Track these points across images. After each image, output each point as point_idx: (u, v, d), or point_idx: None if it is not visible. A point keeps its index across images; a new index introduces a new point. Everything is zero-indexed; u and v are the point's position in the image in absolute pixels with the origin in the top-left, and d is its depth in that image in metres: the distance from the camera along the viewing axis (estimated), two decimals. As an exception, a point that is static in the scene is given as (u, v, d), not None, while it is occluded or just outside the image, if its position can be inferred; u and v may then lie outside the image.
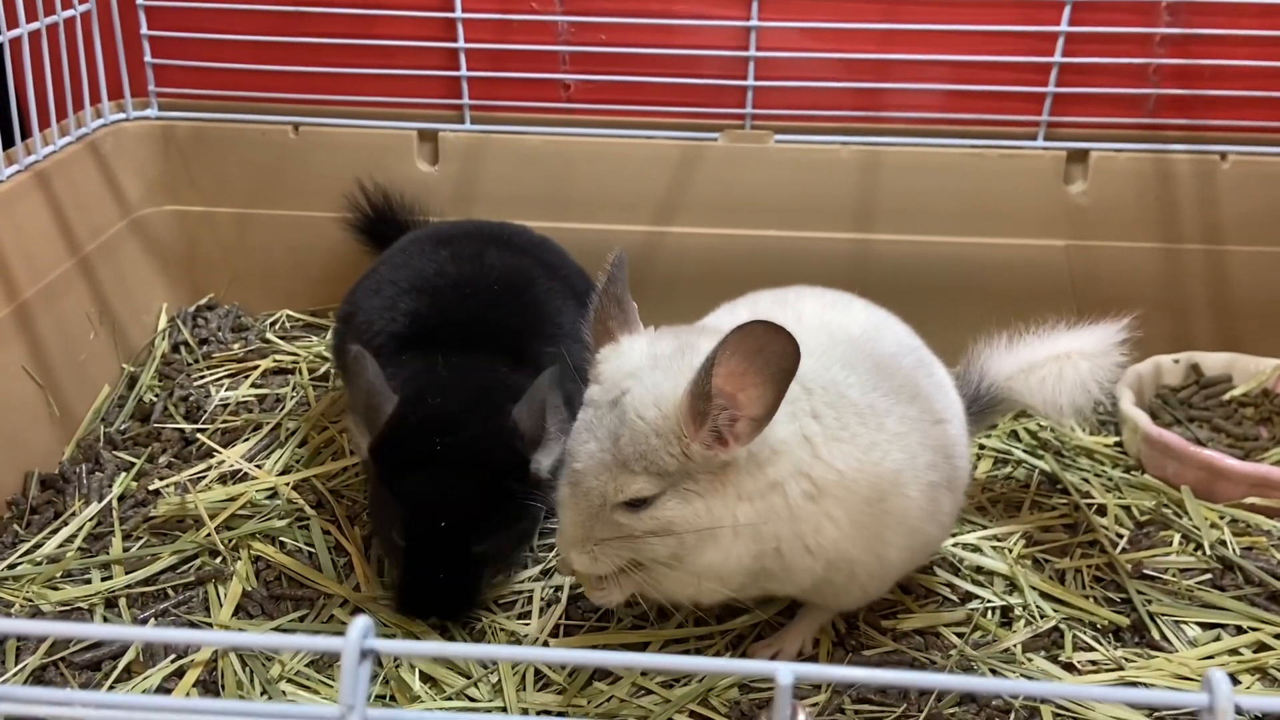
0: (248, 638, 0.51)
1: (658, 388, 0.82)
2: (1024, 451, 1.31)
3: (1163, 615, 1.06)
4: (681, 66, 1.43)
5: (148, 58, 1.44)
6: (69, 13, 1.32)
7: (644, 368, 0.84)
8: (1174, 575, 1.11)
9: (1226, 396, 1.37)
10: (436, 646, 0.53)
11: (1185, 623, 1.05)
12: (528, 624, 1.04)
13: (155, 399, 1.34)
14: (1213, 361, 1.40)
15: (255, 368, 1.41)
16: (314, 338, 1.49)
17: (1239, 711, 0.47)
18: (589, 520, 0.85)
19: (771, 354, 0.78)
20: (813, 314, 0.97)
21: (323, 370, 1.41)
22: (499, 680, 0.96)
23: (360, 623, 0.49)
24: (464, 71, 1.44)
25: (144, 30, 1.43)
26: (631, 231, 1.45)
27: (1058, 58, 1.38)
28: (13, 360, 1.21)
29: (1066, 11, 1.35)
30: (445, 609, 1.01)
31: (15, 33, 1.23)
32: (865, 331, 0.97)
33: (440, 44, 1.44)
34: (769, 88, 1.42)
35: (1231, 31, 1.36)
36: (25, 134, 1.29)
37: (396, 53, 1.45)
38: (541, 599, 1.07)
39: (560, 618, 1.04)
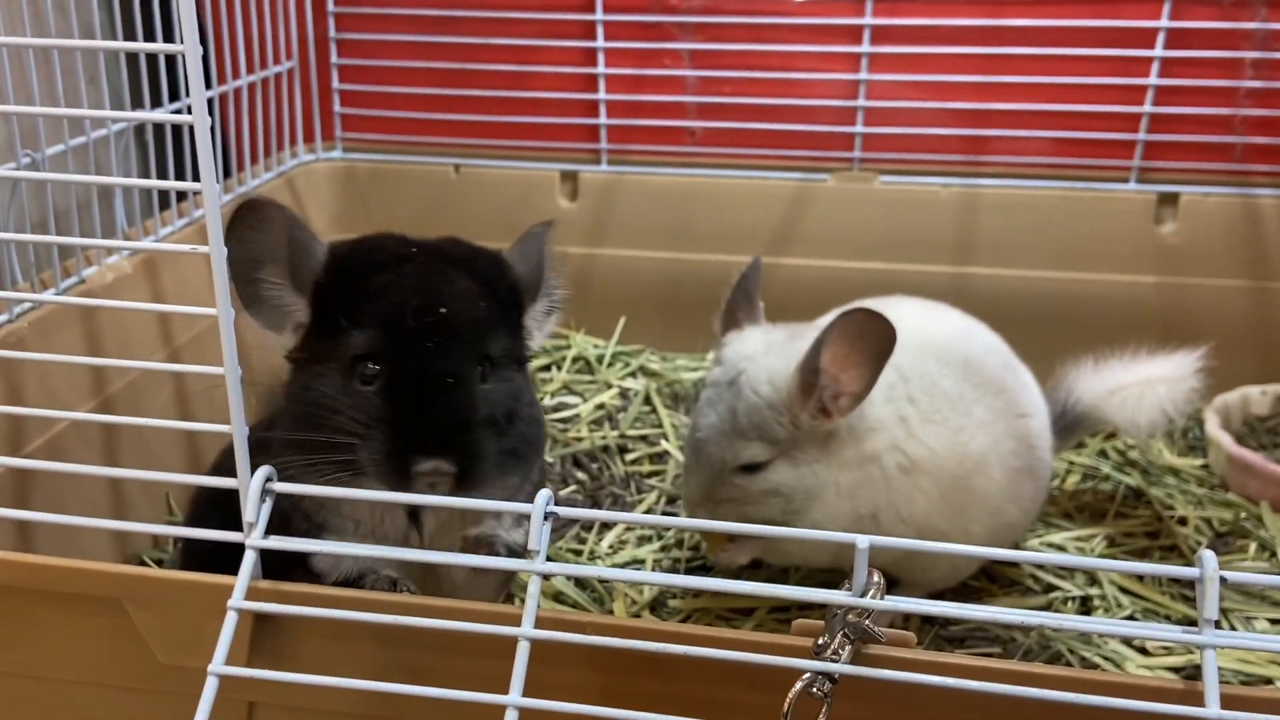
0: (443, 499, 0.68)
1: (771, 367, 0.97)
2: (1111, 468, 1.41)
3: (1234, 611, 1.14)
4: (796, 115, 1.59)
5: (337, 108, 1.68)
6: (276, 69, 1.57)
7: (759, 352, 1.00)
8: (1250, 578, 1.19)
9: (1314, 426, 1.44)
10: (609, 514, 0.69)
11: (1255, 619, 1.13)
12: (641, 591, 1.18)
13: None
14: (1301, 394, 1.48)
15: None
16: (464, 351, 1.69)
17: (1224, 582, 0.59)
18: (710, 482, 1.00)
19: (872, 337, 0.92)
20: (911, 316, 1.11)
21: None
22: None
23: (544, 493, 0.66)
24: (603, 120, 1.64)
25: (335, 85, 1.67)
26: (747, 262, 1.61)
27: (1148, 108, 1.50)
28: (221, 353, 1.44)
29: (1155, 66, 1.47)
30: (449, 446, 0.72)
31: (237, 83, 1.48)
32: (957, 333, 1.11)
33: (583, 95, 1.64)
34: (876, 134, 1.58)
35: (1315, 85, 1.46)
36: (239, 169, 1.54)
37: (545, 104, 1.66)
38: (660, 569, 1.21)
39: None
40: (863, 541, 0.61)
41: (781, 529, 0.64)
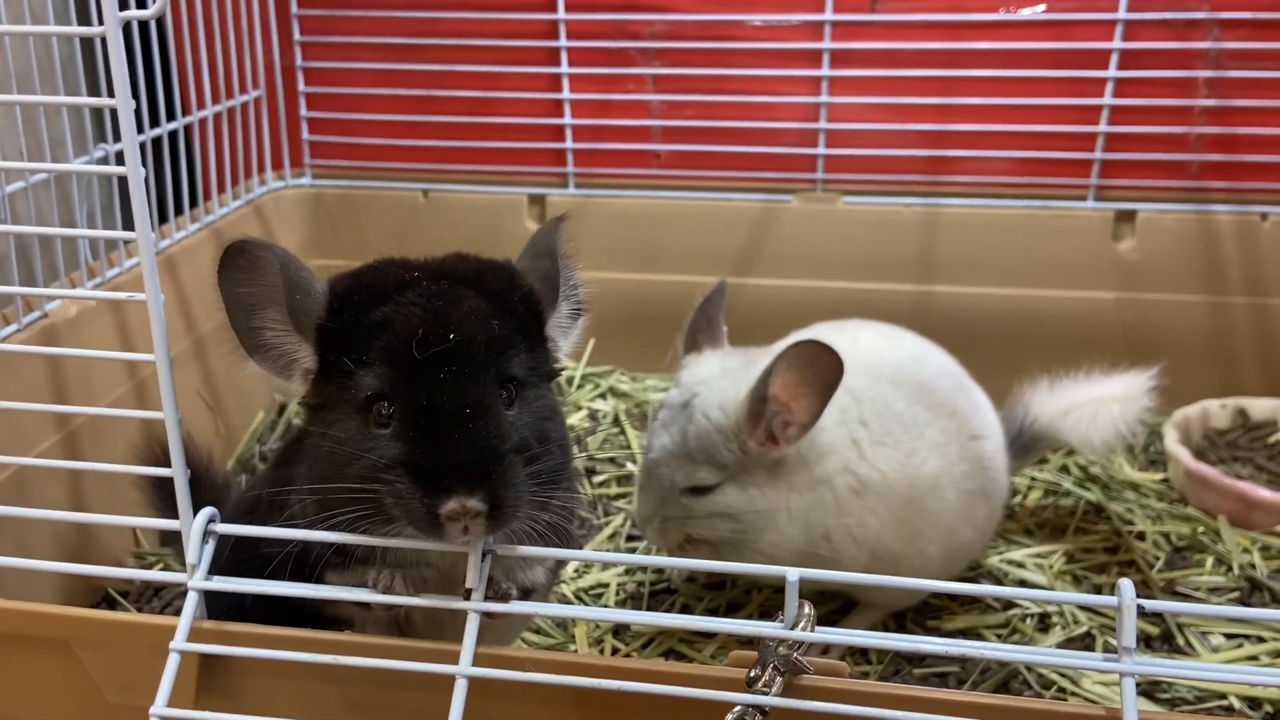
0: (395, 541, 0.69)
1: (723, 393, 0.99)
2: (1073, 484, 1.42)
3: (1190, 626, 1.15)
4: (759, 138, 1.61)
5: (305, 135, 1.69)
6: (244, 98, 1.58)
7: (714, 376, 1.01)
8: (1204, 594, 1.21)
9: (1272, 439, 1.46)
10: (547, 551, 0.70)
11: (1211, 633, 1.15)
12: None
13: (300, 422, 1.56)
14: (1260, 407, 1.49)
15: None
16: (434, 375, 1.70)
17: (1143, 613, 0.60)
18: (660, 501, 1.01)
19: (821, 369, 0.94)
20: (867, 340, 1.13)
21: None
22: (576, 649, 1.12)
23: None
24: (569, 144, 1.66)
25: (303, 113, 1.68)
26: (713, 283, 1.62)
27: (1103, 127, 1.52)
28: (190, 385, 1.45)
29: (1110, 86, 1.50)
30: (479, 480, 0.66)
31: (202, 114, 1.49)
32: (911, 356, 1.12)
33: (550, 120, 1.66)
34: (838, 155, 1.59)
35: (1267, 103, 1.48)
36: (206, 197, 1.55)
37: (511, 129, 1.67)
38: (624, 592, 1.22)
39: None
40: (793, 574, 0.62)
41: (712, 563, 0.65)
